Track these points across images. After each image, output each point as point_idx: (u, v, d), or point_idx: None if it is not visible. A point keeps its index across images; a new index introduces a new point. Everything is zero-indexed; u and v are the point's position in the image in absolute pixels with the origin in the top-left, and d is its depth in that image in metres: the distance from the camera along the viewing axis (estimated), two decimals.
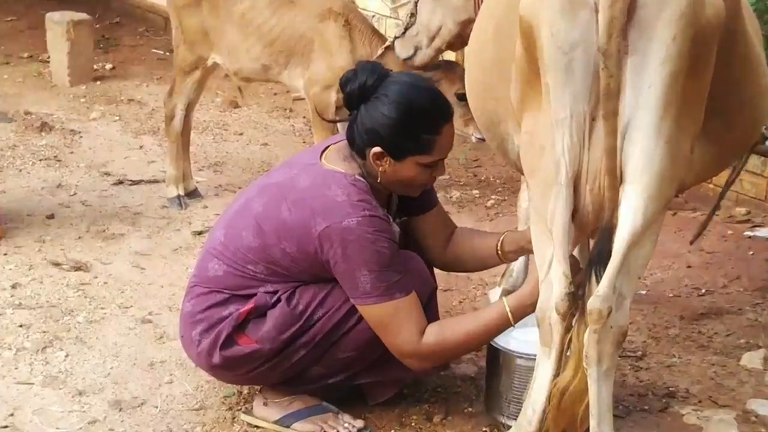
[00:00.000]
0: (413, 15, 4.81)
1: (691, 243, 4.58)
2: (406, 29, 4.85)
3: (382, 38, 5.07)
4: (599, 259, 2.70)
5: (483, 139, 4.00)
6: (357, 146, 3.24)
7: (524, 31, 2.69)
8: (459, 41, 4.78)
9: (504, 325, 3.17)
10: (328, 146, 3.35)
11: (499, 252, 3.46)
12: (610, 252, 2.65)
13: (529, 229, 3.32)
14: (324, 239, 3.12)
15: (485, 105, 3.18)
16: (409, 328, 3.16)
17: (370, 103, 3.18)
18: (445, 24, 4.72)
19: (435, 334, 3.18)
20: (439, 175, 3.32)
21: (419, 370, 3.31)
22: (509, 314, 3.14)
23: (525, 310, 3.11)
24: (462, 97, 4.33)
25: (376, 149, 3.19)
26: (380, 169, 3.22)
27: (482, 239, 3.55)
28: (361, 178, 3.22)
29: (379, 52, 4.95)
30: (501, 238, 3.47)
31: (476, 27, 3.32)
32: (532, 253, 2.92)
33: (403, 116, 3.16)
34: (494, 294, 4.26)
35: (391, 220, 3.31)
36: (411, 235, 3.52)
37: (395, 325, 3.17)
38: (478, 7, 4.02)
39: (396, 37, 4.89)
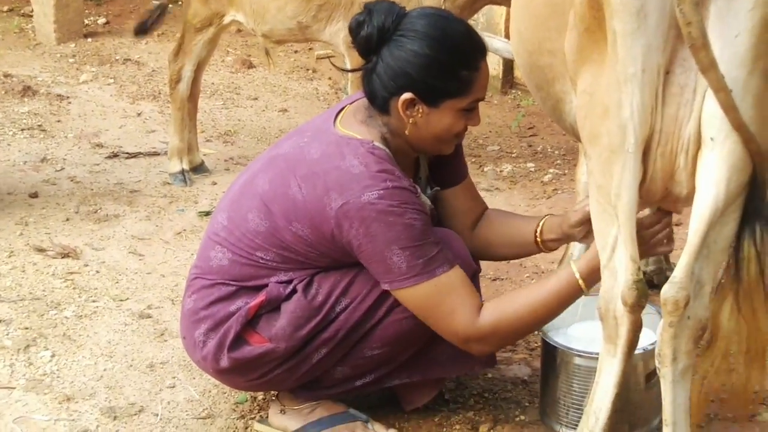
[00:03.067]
0: None
1: None
2: None
3: None
4: None
5: None
6: (380, 99, 3.21)
7: None
8: None
9: (574, 293, 3.14)
10: (344, 107, 3.33)
11: (538, 239, 3.43)
12: None
13: (572, 212, 3.30)
14: (342, 218, 3.10)
15: (537, 60, 3.16)
16: (462, 306, 3.14)
17: (394, 42, 3.16)
18: None
19: (493, 310, 3.16)
20: (474, 125, 3.29)
21: (480, 354, 3.27)
22: (580, 280, 3.11)
23: (597, 274, 3.03)
24: None
25: (406, 95, 3.15)
26: (410, 120, 3.19)
27: (518, 223, 3.52)
28: (381, 145, 3.19)
29: None
30: (540, 224, 3.43)
31: None
32: (577, 241, 2.89)
33: (438, 52, 3.14)
34: None
35: (420, 191, 3.29)
36: (442, 210, 3.50)
37: (445, 306, 3.14)
38: None
39: None
